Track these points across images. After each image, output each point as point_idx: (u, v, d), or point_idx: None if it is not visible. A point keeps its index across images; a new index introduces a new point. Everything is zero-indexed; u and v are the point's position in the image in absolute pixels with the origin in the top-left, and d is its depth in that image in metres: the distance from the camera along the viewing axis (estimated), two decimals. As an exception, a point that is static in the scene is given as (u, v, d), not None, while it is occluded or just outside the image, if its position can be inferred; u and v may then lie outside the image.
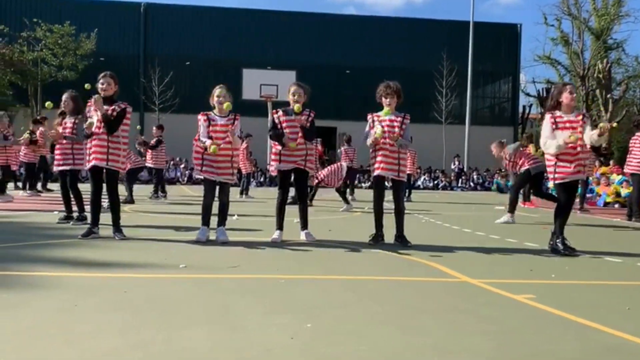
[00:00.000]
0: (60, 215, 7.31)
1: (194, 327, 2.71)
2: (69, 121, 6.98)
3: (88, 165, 5.78)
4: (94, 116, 5.66)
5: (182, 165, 25.14)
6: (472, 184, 25.67)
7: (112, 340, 2.47)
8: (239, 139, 5.80)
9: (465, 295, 3.60)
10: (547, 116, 5.39)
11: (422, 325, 2.86)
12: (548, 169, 5.52)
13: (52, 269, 4.11)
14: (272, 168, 6.09)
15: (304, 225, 6.01)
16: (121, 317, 2.86)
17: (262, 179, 24.13)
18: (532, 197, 12.05)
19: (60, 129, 7.04)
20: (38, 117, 14.42)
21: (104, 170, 5.77)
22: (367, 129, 5.82)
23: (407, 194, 14.59)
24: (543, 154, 5.86)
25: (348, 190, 12.77)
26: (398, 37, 31.26)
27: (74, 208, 7.16)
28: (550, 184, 5.83)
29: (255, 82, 24.38)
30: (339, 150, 14.51)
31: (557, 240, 5.37)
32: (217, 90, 5.75)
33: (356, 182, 18.05)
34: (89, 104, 5.76)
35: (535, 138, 15.08)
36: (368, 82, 32.92)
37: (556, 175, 5.31)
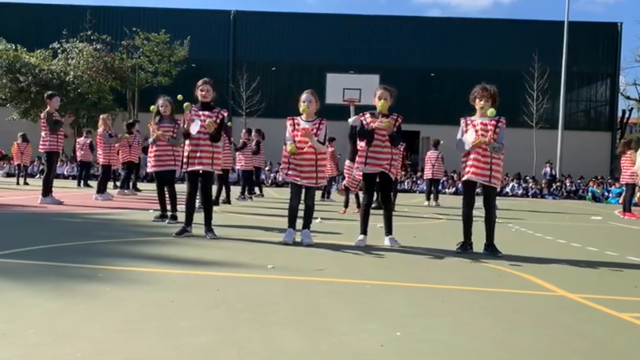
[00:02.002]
0: (156, 214, 7.72)
1: (286, 328, 2.76)
2: (168, 125, 7.34)
3: (190, 168, 6.07)
4: (193, 125, 5.94)
5: (267, 168, 25.75)
6: (564, 191, 24.33)
7: (208, 337, 2.57)
8: (320, 144, 5.81)
9: (563, 310, 3.41)
10: None
11: (518, 340, 2.73)
12: None
13: (150, 265, 4.34)
14: (357, 170, 6.09)
15: (389, 230, 5.96)
16: (216, 314, 2.96)
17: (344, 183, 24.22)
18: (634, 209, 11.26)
19: (155, 130, 7.41)
20: (131, 121, 15.39)
21: (200, 173, 6.06)
22: (459, 134, 5.65)
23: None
24: None
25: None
26: (485, 39, 30.31)
27: (168, 207, 7.53)
28: None
29: (339, 86, 24.53)
30: (428, 154, 14.24)
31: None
32: (303, 95, 5.85)
33: (440, 187, 17.65)
34: (187, 115, 6.03)
35: (636, 144, 14.09)
36: (453, 85, 32.36)
37: None
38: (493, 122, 5.46)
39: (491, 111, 5.51)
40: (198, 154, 5.98)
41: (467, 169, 5.55)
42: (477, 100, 5.55)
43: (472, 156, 5.50)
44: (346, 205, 10.51)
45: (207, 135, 5.94)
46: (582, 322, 3.10)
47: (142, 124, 27.47)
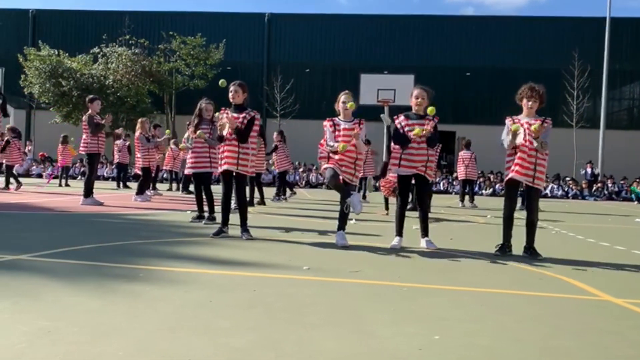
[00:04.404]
0: (193, 215, 7.83)
1: (323, 329, 2.74)
2: (205, 127, 7.45)
3: (220, 169, 6.15)
4: (225, 125, 6.01)
5: (301, 169, 25.85)
6: (606, 192, 23.60)
7: (246, 338, 2.58)
8: (363, 144, 5.82)
9: (608, 315, 3.29)
10: None
11: (563, 346, 2.65)
12: None
13: (188, 265, 4.39)
14: (392, 173, 6.04)
15: (425, 232, 5.88)
16: (254, 315, 2.97)
17: (378, 184, 24.06)
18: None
19: (192, 133, 7.52)
20: (158, 123, 15.73)
21: (234, 174, 6.11)
22: (504, 133, 5.53)
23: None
24: None
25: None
26: (522, 37, 29.73)
27: (205, 208, 7.63)
28: None
29: (373, 87, 24.45)
30: (462, 155, 14.05)
31: None
32: (342, 96, 5.83)
33: (475, 188, 17.38)
34: (222, 111, 6.13)
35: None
36: (489, 84, 31.85)
37: None
38: (539, 121, 5.33)
39: (431, 109, 5.60)
40: (225, 154, 6.04)
41: (511, 168, 5.43)
42: (524, 100, 5.43)
43: (517, 155, 5.38)
44: (387, 207, 10.42)
45: (235, 137, 5.97)
46: (628, 329, 2.99)
47: (178, 126, 27.88)
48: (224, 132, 6.02)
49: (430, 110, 5.62)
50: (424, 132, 5.62)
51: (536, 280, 4.35)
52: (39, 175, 24.96)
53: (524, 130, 5.34)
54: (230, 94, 6.10)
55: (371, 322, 2.92)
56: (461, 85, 29.77)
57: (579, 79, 26.51)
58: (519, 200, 9.41)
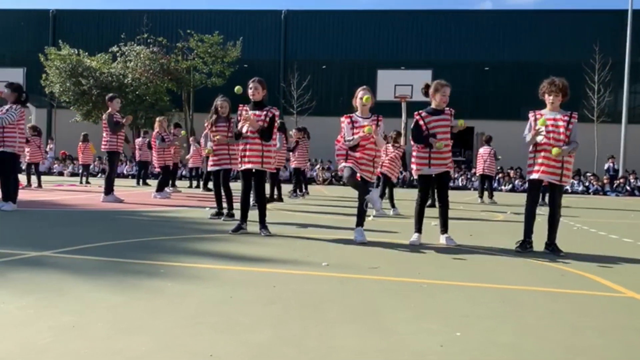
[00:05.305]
0: (212, 212, 7.88)
1: (343, 326, 2.74)
2: (223, 124, 7.49)
3: (241, 167, 6.17)
4: (245, 126, 6.03)
5: (318, 166, 25.85)
6: (628, 188, 23.20)
7: (266, 333, 2.59)
8: (382, 140, 5.80)
9: (633, 312, 3.24)
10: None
11: (585, 343, 2.61)
12: None
13: (208, 261, 4.43)
14: (416, 173, 5.99)
15: (444, 229, 5.84)
16: (274, 311, 2.99)
17: (395, 181, 23.93)
18: None
19: (212, 133, 7.58)
20: (178, 122, 15.83)
21: (254, 171, 6.13)
22: (527, 129, 5.47)
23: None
24: None
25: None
26: (541, 31, 29.28)
27: (224, 205, 7.68)
28: None
29: (390, 83, 24.34)
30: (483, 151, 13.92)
31: None
32: (360, 92, 5.80)
33: (494, 184, 17.20)
34: (240, 108, 6.15)
35: None
36: (509, 79, 31.43)
37: None
38: (566, 117, 5.25)
39: (461, 122, 5.56)
40: (247, 153, 6.05)
41: (535, 167, 5.34)
42: (546, 95, 5.36)
43: (542, 154, 5.29)
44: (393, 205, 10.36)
45: (257, 134, 5.99)
46: (655, 326, 2.94)
47: (196, 124, 28.06)
48: (244, 130, 6.03)
49: (460, 122, 5.57)
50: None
51: (558, 276, 4.29)
52: (60, 174, 25.35)
53: (546, 127, 5.26)
54: (250, 91, 6.10)
55: (391, 319, 2.91)
56: (480, 80, 29.47)
57: (600, 73, 26.05)
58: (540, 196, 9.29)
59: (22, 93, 7.92)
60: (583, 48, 26.79)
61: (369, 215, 7.49)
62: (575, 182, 23.51)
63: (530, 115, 5.45)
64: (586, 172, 24.88)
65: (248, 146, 6.05)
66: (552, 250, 5.31)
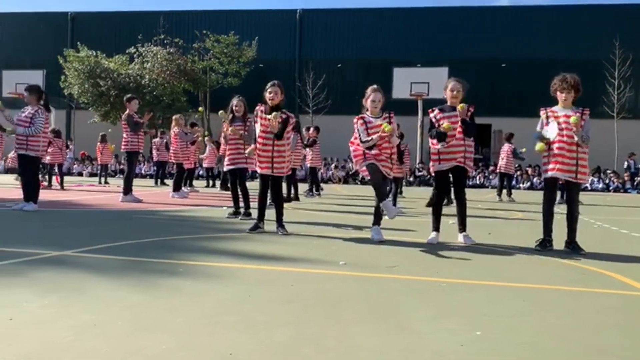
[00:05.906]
0: (229, 211, 7.92)
1: (362, 325, 2.74)
2: (239, 124, 7.51)
3: (257, 169, 6.22)
4: (257, 128, 6.08)
5: (334, 165, 25.85)
6: (650, 185, 22.80)
7: (286, 332, 2.59)
8: (397, 138, 5.77)
9: (657, 312, 3.18)
10: None
11: (607, 343, 2.57)
12: None
13: (227, 260, 4.45)
14: (432, 170, 5.96)
15: (462, 227, 5.80)
16: (292, 310, 2.99)
17: (411, 179, 23.87)
18: None
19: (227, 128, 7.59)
20: (194, 121, 15.95)
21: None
22: (539, 126, 5.40)
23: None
24: None
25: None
26: (559, 27, 28.88)
27: (241, 204, 7.71)
28: None
29: (406, 81, 24.24)
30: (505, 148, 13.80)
31: None
32: (371, 95, 5.76)
33: (513, 182, 17.03)
34: (257, 107, 6.17)
35: None
36: (526, 76, 31.09)
37: None
38: (577, 114, 5.18)
39: (461, 106, 5.48)
40: (259, 158, 6.12)
41: (550, 165, 5.27)
42: (557, 92, 5.29)
43: (556, 152, 5.22)
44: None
45: (271, 135, 6.00)
46: (679, 326, 2.88)
47: (213, 124, 28.22)
48: (257, 132, 6.10)
49: (461, 107, 5.52)
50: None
51: (578, 275, 4.24)
52: (80, 174, 25.68)
53: (559, 125, 5.19)
54: (269, 95, 6.06)
55: (410, 318, 2.90)
56: (496, 78, 29.16)
57: (620, 68, 25.64)
58: (558, 193, 9.18)
59: (42, 94, 8.02)
60: (603, 43, 26.36)
61: (386, 214, 7.46)
62: (595, 179, 23.18)
63: (542, 112, 5.39)
64: (606, 169, 24.51)
65: (260, 152, 6.11)
66: (573, 249, 5.24)
